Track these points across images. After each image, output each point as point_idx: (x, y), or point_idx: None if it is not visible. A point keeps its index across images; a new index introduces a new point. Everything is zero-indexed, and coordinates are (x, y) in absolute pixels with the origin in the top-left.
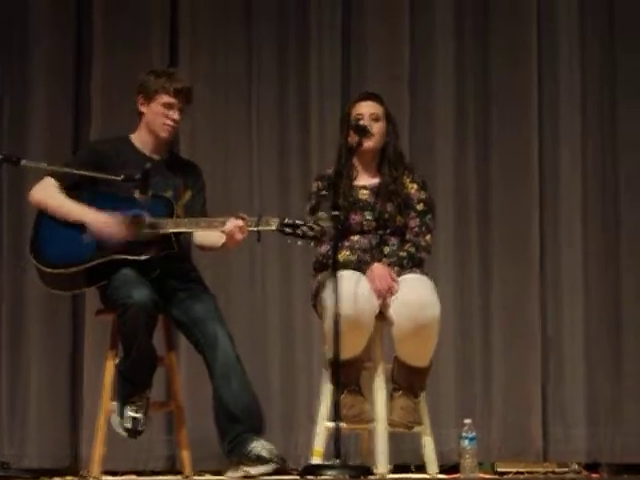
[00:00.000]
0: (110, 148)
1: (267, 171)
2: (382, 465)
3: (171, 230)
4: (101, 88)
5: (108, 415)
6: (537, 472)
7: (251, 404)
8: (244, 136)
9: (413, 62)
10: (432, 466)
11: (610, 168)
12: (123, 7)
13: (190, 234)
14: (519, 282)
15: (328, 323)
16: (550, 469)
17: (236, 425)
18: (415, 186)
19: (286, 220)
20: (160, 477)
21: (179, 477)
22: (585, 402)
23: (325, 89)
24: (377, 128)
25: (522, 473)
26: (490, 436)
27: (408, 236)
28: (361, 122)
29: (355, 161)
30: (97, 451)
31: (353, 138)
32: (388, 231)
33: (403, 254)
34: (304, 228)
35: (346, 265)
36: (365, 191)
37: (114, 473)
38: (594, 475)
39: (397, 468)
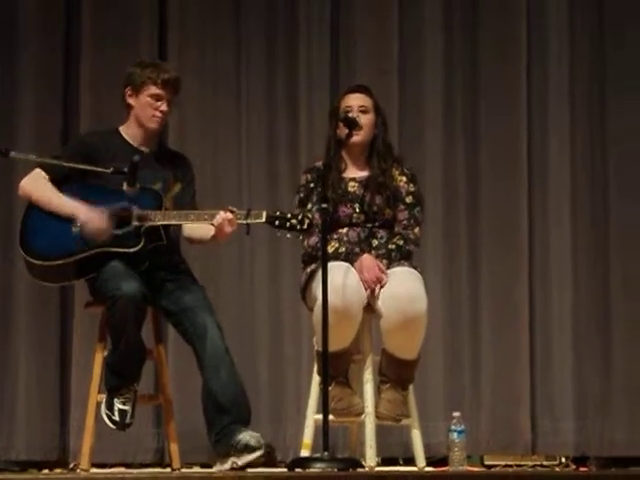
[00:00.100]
0: (99, 140)
1: (256, 164)
2: (370, 458)
3: (160, 223)
4: (90, 84)
5: (97, 408)
6: (525, 465)
7: (239, 395)
8: (233, 130)
9: (402, 56)
10: (420, 459)
11: (599, 161)
12: (112, 3)
13: (179, 227)
14: (508, 274)
15: (317, 314)
16: (538, 462)
17: (223, 416)
18: (404, 179)
19: (275, 213)
20: (148, 470)
21: (167, 470)
22: (574, 396)
23: (314, 83)
24: (366, 120)
25: (510, 466)
26: (479, 429)
27: (397, 229)
28: (350, 114)
29: (344, 154)
30: (86, 443)
31: (342, 130)
32: (377, 224)
33: (392, 247)
34: (293, 221)
35: (335, 257)
36: (354, 183)
37: (103, 465)
38: (582, 468)
39: (385, 461)
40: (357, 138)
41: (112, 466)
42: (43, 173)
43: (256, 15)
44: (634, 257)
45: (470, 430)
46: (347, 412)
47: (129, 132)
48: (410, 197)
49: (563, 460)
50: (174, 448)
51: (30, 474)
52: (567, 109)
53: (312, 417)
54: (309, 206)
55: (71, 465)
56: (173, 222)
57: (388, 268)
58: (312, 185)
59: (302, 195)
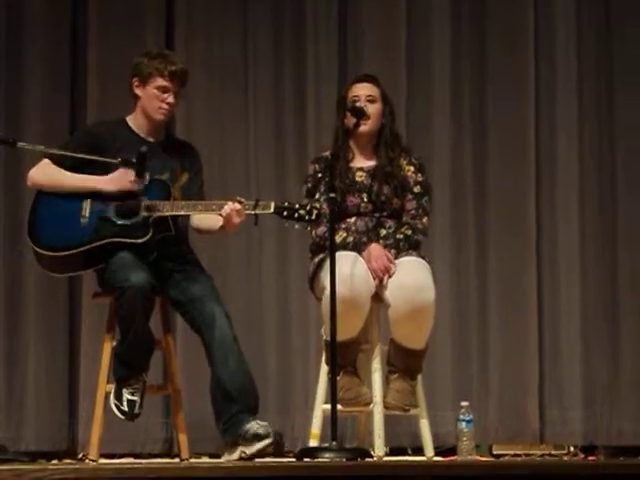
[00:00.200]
0: (106, 131)
1: (263, 155)
2: (379, 448)
3: (168, 213)
4: (97, 77)
5: (105, 398)
6: (534, 454)
7: (247, 383)
8: (240, 120)
9: (410, 45)
10: (429, 449)
11: (607, 149)
12: None
13: (187, 217)
14: (516, 263)
15: (325, 304)
16: (547, 451)
17: (232, 404)
18: (412, 168)
19: (283, 203)
20: (157, 460)
21: (176, 460)
22: (582, 385)
23: (322, 72)
24: (373, 110)
25: (519, 455)
26: (487, 418)
27: (405, 218)
28: (357, 104)
29: (352, 143)
30: (94, 434)
31: (350, 120)
32: (385, 213)
33: (400, 236)
34: (301, 211)
35: (343, 247)
36: (362, 173)
37: (111, 456)
38: (590, 457)
39: (394, 451)
40: (365, 128)
41: (121, 456)
42: (51, 163)
43: (263, 4)
44: None
45: (478, 419)
46: (355, 402)
47: (136, 122)
48: (418, 187)
49: (571, 449)
50: (183, 438)
51: (39, 464)
52: (575, 99)
53: (320, 407)
54: (317, 196)
55: (80, 455)
56: (181, 212)
57: (396, 258)
58: (320, 175)
59: (310, 185)
